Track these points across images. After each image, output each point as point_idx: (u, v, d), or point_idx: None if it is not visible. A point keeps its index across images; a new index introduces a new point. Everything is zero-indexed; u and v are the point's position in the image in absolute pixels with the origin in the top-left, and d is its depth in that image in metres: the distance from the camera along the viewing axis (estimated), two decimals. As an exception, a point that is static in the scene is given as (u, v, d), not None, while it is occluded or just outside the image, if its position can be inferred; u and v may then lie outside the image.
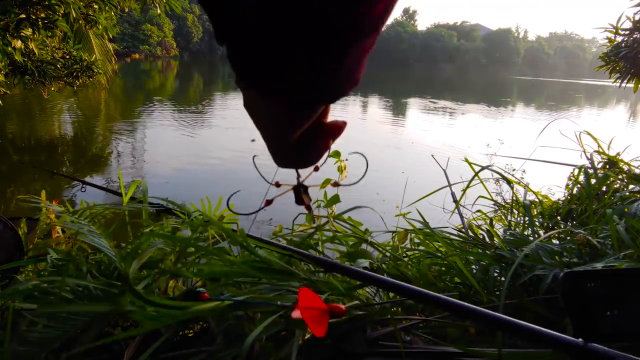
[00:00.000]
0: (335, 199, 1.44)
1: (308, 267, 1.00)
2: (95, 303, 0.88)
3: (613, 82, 3.74)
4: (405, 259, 1.26)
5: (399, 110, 16.48)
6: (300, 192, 0.44)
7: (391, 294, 0.98)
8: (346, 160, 1.78)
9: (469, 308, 0.70)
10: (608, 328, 0.62)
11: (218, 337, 0.81)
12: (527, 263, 0.97)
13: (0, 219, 1.43)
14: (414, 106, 17.80)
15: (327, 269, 0.89)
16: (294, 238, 1.23)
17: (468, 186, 1.52)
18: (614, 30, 3.61)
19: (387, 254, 1.15)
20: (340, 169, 1.80)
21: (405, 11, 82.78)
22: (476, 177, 1.55)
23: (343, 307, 0.43)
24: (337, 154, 1.74)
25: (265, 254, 0.96)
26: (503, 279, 1.03)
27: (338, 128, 0.35)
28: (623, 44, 3.57)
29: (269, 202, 0.52)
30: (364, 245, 1.21)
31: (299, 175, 0.43)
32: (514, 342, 0.88)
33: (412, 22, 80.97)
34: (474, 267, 1.14)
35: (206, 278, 1.06)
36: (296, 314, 0.61)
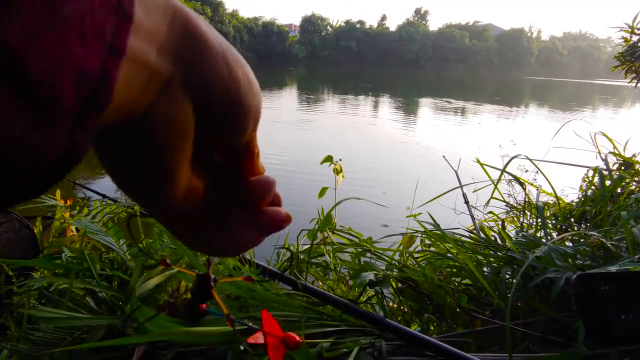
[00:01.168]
0: (329, 219, 1.26)
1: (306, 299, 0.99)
2: (95, 316, 0.89)
3: (629, 83, 3.68)
4: (414, 262, 1.26)
5: (410, 109, 16.40)
6: (210, 286, 0.30)
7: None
8: (340, 160, 1.67)
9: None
10: (622, 331, 0.61)
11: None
12: (540, 265, 0.96)
13: (16, 217, 1.46)
14: (425, 106, 17.70)
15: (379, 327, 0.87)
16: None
17: (480, 188, 1.51)
18: (630, 30, 3.56)
19: (394, 261, 1.15)
20: (337, 171, 1.65)
21: (417, 11, 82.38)
22: (487, 177, 1.54)
23: (298, 338, 0.39)
24: (329, 159, 1.63)
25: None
26: (515, 281, 1.02)
27: (275, 223, 0.26)
28: (639, 44, 3.51)
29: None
30: (368, 255, 1.21)
31: (209, 262, 0.30)
32: (526, 346, 0.87)
33: (423, 22, 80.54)
34: (485, 269, 1.13)
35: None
36: (256, 338, 0.52)
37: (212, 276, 0.29)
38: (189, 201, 0.23)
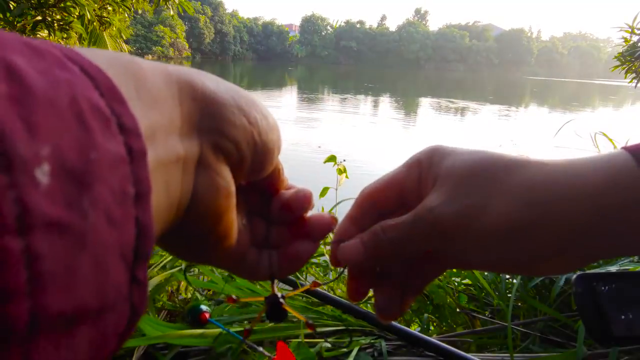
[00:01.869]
0: None
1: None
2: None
3: (629, 83, 3.68)
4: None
5: (410, 109, 16.41)
6: (281, 303, 0.29)
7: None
8: (344, 161, 1.67)
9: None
10: (622, 331, 0.61)
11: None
12: (540, 265, 0.96)
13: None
14: (425, 106, 17.71)
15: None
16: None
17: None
18: (630, 30, 3.56)
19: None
20: (340, 171, 1.64)
21: (417, 11, 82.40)
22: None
23: None
24: (332, 159, 1.63)
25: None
26: (515, 281, 1.02)
27: (324, 227, 0.27)
28: (639, 44, 3.51)
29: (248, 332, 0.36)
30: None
31: (272, 283, 0.29)
32: (526, 346, 0.87)
33: (423, 22, 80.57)
34: (485, 268, 1.13)
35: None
36: None
37: (279, 294, 0.29)
38: (239, 240, 0.24)
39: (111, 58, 0.16)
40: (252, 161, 0.21)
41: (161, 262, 1.06)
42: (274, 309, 0.29)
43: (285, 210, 0.26)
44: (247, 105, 0.21)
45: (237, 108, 0.20)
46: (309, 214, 0.28)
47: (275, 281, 0.28)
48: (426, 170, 0.29)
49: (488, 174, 0.27)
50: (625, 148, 0.25)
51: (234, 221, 0.22)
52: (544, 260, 0.26)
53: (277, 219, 0.27)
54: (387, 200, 0.31)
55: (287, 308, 0.29)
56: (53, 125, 0.11)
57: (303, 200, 0.26)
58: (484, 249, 0.26)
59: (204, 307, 0.85)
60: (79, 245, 0.11)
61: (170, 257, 1.13)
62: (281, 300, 0.29)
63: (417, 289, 0.31)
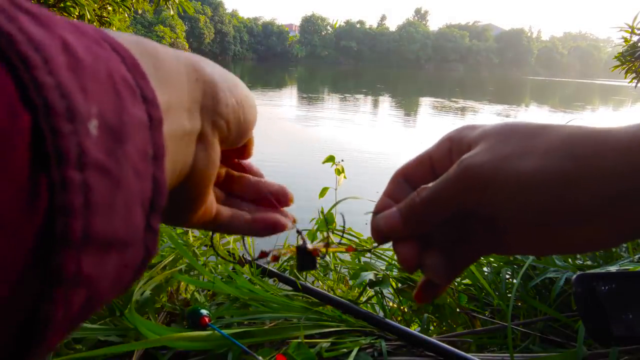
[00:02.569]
0: (330, 219, 1.27)
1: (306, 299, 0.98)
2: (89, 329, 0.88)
3: (629, 83, 3.68)
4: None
5: (410, 109, 16.40)
6: (310, 252, 0.32)
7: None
8: (341, 161, 1.67)
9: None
10: (622, 331, 0.61)
11: None
12: (540, 265, 0.96)
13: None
14: (425, 106, 17.70)
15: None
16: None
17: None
18: (630, 30, 3.55)
19: (394, 261, 1.15)
20: (338, 172, 1.63)
21: (417, 11, 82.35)
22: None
23: None
24: (331, 159, 1.63)
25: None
26: (515, 281, 1.02)
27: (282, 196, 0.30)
28: (639, 44, 3.51)
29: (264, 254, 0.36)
30: (368, 255, 1.20)
31: (298, 233, 0.32)
32: (526, 347, 0.87)
33: (423, 22, 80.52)
34: (485, 269, 1.13)
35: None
36: None
37: (311, 247, 0.32)
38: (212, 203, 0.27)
39: (132, 40, 0.18)
40: (235, 135, 0.24)
41: (162, 263, 1.06)
42: (305, 258, 0.31)
43: (270, 197, 0.30)
44: (235, 86, 0.24)
45: (228, 90, 0.23)
46: None
47: (303, 233, 0.32)
48: (457, 142, 0.30)
49: (526, 131, 0.27)
50: None
51: (211, 190, 0.25)
52: (576, 224, 0.25)
53: (246, 196, 0.30)
54: (419, 174, 0.32)
55: (317, 249, 0.32)
56: (98, 91, 0.14)
57: (286, 197, 0.30)
58: (514, 199, 0.26)
59: (204, 311, 0.84)
60: (116, 186, 0.14)
61: (171, 258, 1.13)
62: (308, 248, 0.31)
63: (467, 258, 0.31)
